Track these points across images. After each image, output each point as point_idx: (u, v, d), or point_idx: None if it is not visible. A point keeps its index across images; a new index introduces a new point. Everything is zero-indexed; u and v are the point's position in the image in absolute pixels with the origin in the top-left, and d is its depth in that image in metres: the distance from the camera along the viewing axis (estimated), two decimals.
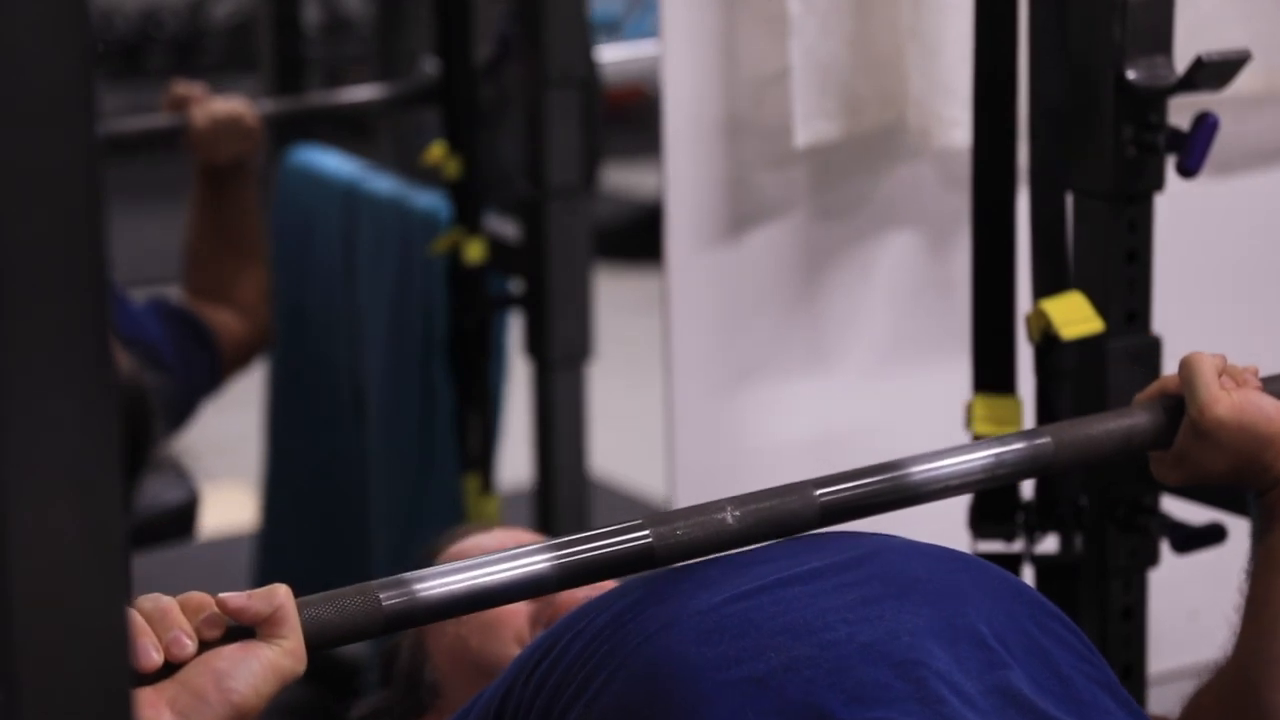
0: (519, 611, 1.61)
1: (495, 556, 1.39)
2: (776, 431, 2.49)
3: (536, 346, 2.66)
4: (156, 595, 1.27)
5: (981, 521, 1.98)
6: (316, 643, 1.31)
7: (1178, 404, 1.61)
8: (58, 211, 0.81)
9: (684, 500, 2.48)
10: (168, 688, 1.24)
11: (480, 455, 2.86)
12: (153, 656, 1.24)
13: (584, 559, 1.41)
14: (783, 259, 2.46)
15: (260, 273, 2.91)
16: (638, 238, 5.21)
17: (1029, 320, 1.92)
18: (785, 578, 1.41)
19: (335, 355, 3.08)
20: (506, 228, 2.78)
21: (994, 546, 1.98)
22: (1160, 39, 1.85)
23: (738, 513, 1.46)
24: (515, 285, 2.76)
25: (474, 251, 2.79)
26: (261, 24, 3.72)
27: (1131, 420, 1.62)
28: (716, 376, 2.47)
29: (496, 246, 2.79)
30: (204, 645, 1.26)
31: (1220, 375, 1.59)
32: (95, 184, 0.82)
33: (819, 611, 1.37)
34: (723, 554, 1.48)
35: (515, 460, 3.01)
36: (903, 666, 1.32)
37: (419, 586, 1.35)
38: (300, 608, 1.30)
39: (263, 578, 3.18)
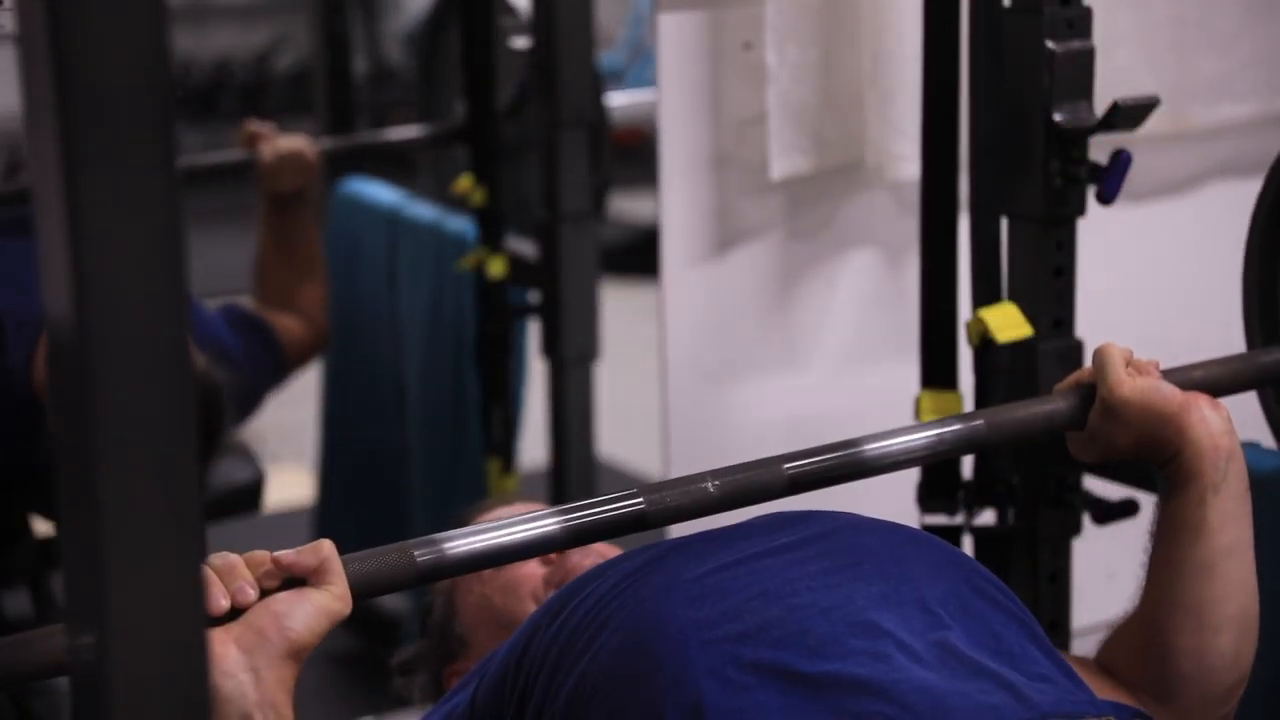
0: (534, 575, 1.61)
1: (511, 520, 1.39)
2: (755, 418, 2.49)
3: (551, 348, 2.66)
4: (225, 553, 1.28)
5: (928, 498, 1.98)
6: (360, 591, 1.31)
7: (1091, 390, 1.61)
8: (144, 232, 0.81)
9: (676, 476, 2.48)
10: (234, 628, 1.24)
11: (503, 441, 2.86)
12: (221, 603, 1.25)
13: (587, 521, 1.41)
14: (761, 273, 2.46)
15: (319, 285, 2.91)
16: (638, 256, 5.20)
17: (969, 326, 1.92)
18: (759, 551, 1.41)
19: (380, 356, 3.08)
20: (525, 247, 2.78)
21: (939, 519, 1.98)
22: (1082, 86, 1.85)
23: (718, 483, 1.47)
24: (533, 296, 2.75)
25: (497, 268, 2.79)
26: (318, 73, 3.71)
27: (1052, 405, 1.63)
28: (705, 373, 2.47)
29: (517, 263, 2.79)
30: (264, 594, 1.27)
31: (1127, 364, 1.60)
32: (175, 208, 0.82)
33: (788, 580, 1.37)
34: (708, 531, 1.48)
35: (533, 445, 3.01)
36: (857, 626, 1.33)
37: (447, 545, 1.35)
38: (346, 562, 1.30)
39: None
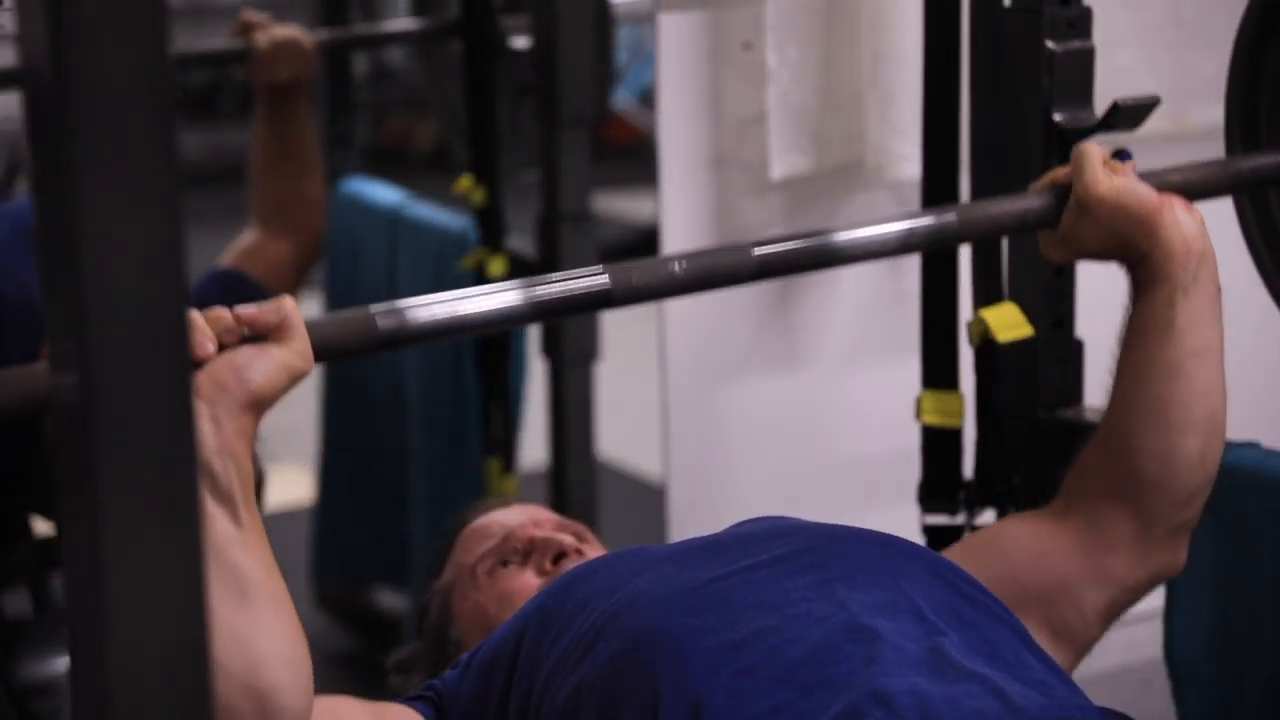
0: (530, 586, 1.62)
1: (474, 290, 1.37)
2: (755, 420, 2.50)
3: (551, 348, 2.66)
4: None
5: (929, 498, 1.98)
6: (321, 352, 1.30)
7: (1065, 190, 1.61)
8: (144, 232, 0.81)
9: (678, 476, 2.48)
10: (195, 378, 1.23)
11: (503, 441, 2.86)
12: None
13: (552, 296, 1.38)
14: None
15: (317, 182, 2.87)
16: (638, 256, 5.20)
17: (970, 326, 1.92)
18: (755, 563, 1.42)
19: (380, 357, 3.08)
20: (525, 246, 2.78)
21: (939, 519, 1.98)
22: (1082, 87, 1.85)
23: (684, 264, 1.44)
24: None
25: (497, 267, 2.79)
26: (318, 73, 3.71)
27: (1026, 202, 1.62)
28: (704, 373, 2.47)
29: (516, 262, 2.79)
30: (223, 350, 1.26)
31: (1104, 164, 1.60)
32: (175, 208, 0.82)
33: (783, 590, 1.38)
34: (701, 541, 1.48)
35: (533, 445, 3.01)
36: (852, 632, 1.33)
37: (408, 312, 1.33)
38: (309, 327, 1.29)
39: (318, 546, 3.18)
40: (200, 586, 0.85)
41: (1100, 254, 1.61)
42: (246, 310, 1.27)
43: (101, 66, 0.79)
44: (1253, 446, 1.80)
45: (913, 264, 2.07)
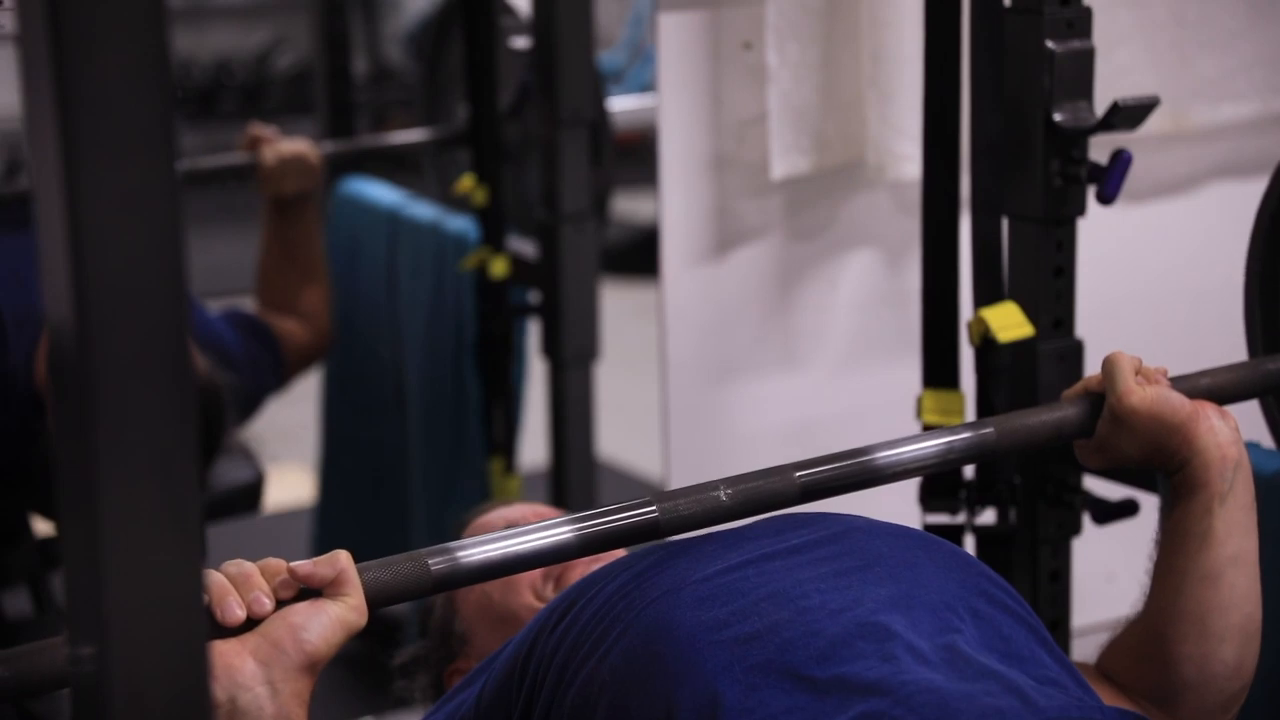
0: (534, 574, 1.61)
1: (525, 529, 1.39)
2: (755, 420, 2.49)
3: (551, 348, 2.66)
4: (240, 561, 1.27)
5: (930, 498, 1.97)
6: (375, 601, 1.30)
7: (1099, 399, 1.61)
8: (144, 232, 0.81)
9: (678, 477, 2.48)
10: (250, 639, 1.23)
11: (504, 441, 2.86)
12: (237, 613, 1.23)
13: (601, 530, 1.41)
14: (761, 274, 2.46)
15: (322, 288, 2.91)
16: (638, 256, 5.20)
17: (970, 326, 1.92)
18: (769, 553, 1.41)
19: (380, 356, 3.08)
20: (526, 247, 2.78)
21: (940, 519, 1.98)
22: (1082, 87, 1.85)
23: (730, 491, 1.47)
24: (533, 296, 2.75)
25: (498, 268, 2.79)
26: (318, 73, 3.71)
27: (1061, 413, 1.63)
28: (705, 374, 2.47)
29: (517, 263, 2.79)
30: (279, 604, 1.26)
31: (1136, 373, 1.60)
32: (176, 209, 0.82)
33: (796, 582, 1.37)
34: (715, 531, 1.48)
35: (533, 445, 3.01)
36: (866, 628, 1.32)
37: (461, 554, 1.35)
38: (360, 571, 1.29)
39: (318, 546, 3.18)
40: (198, 588, 0.85)
41: (1138, 462, 1.61)
42: (302, 567, 1.26)
43: (101, 66, 0.79)
44: (1253, 447, 1.80)
45: (912, 263, 2.07)
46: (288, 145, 2.83)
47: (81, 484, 0.82)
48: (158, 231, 0.81)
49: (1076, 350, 1.91)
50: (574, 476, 2.66)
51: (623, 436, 3.73)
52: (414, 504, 2.98)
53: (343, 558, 1.28)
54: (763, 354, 2.49)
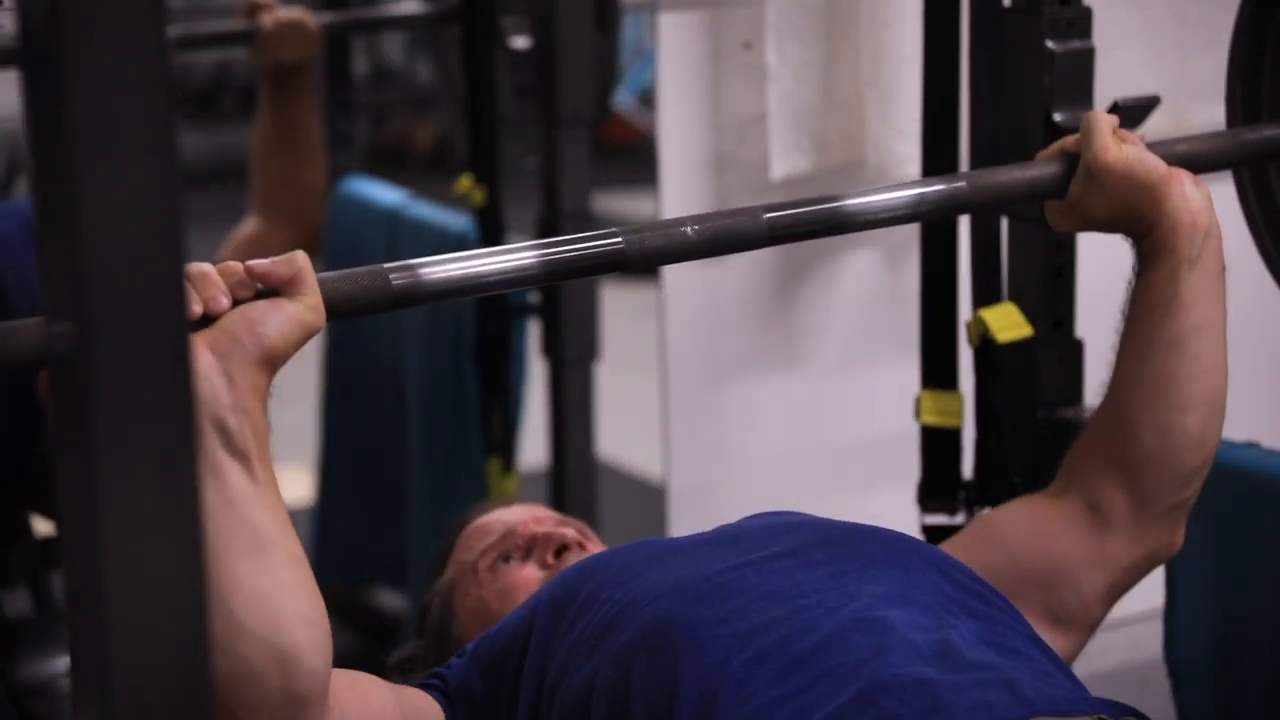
0: (531, 580, 1.62)
1: (488, 250, 1.36)
2: (755, 420, 2.50)
3: (551, 348, 2.66)
4: (199, 262, 1.25)
5: (929, 498, 1.98)
6: (335, 310, 1.29)
7: (1074, 157, 1.60)
8: (144, 232, 0.81)
9: (678, 477, 2.48)
10: (207, 333, 1.23)
11: (503, 441, 2.86)
12: (194, 309, 1.22)
13: (565, 257, 1.38)
14: (761, 274, 2.46)
15: (318, 166, 2.87)
16: None
17: (969, 326, 1.92)
18: (766, 555, 1.42)
19: (380, 356, 3.08)
20: None
21: (939, 519, 1.98)
22: (1082, 86, 1.85)
23: (696, 228, 1.43)
24: (533, 296, 2.76)
25: None
26: (316, 72, 3.70)
27: (1035, 170, 1.61)
28: (704, 373, 2.47)
29: None
30: (237, 303, 1.25)
31: (1114, 133, 1.59)
32: (176, 209, 0.82)
33: (794, 582, 1.38)
34: (711, 533, 1.49)
35: (533, 445, 3.01)
36: (863, 623, 1.34)
37: (423, 270, 1.33)
38: (322, 282, 1.28)
39: (318, 546, 3.18)
40: (199, 589, 0.85)
41: (1106, 224, 1.60)
42: (259, 264, 1.25)
43: (102, 66, 0.79)
44: (1253, 446, 1.80)
45: (912, 263, 2.07)
46: (286, 11, 2.81)
47: (81, 483, 0.82)
48: (158, 231, 0.81)
49: (1076, 351, 1.91)
50: (574, 477, 2.66)
51: (623, 436, 3.73)
52: (413, 503, 2.98)
53: (300, 257, 1.27)
54: (762, 354, 2.49)
